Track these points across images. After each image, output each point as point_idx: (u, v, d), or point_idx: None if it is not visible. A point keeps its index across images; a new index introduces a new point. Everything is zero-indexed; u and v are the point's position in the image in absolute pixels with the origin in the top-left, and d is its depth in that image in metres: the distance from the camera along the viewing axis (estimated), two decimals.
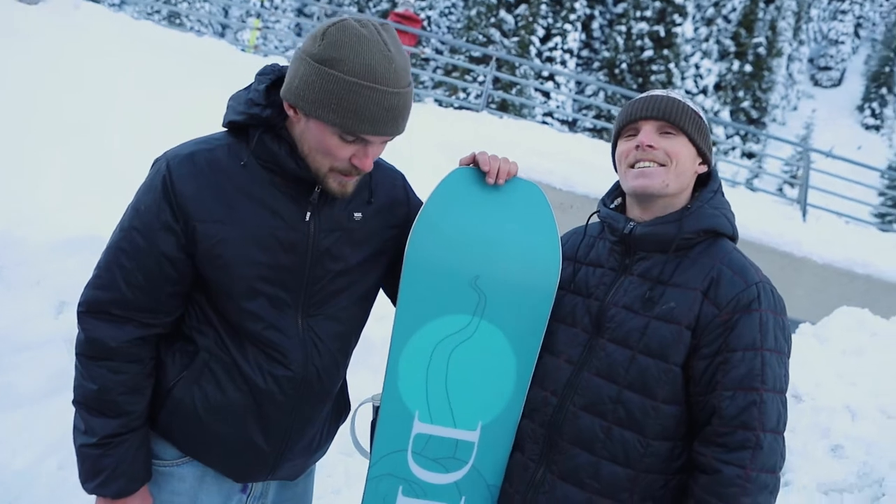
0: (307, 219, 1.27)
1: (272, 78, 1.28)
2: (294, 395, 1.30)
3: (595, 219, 1.53)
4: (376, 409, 1.46)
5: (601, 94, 24.55)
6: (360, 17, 1.19)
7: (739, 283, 1.29)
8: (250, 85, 1.28)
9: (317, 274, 1.29)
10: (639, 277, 1.37)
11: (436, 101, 12.25)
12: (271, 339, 1.27)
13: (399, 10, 10.17)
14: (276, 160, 1.24)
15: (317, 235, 1.28)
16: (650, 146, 1.37)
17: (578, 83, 25.75)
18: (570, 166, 6.89)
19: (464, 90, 24.34)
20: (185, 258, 1.24)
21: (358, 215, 1.33)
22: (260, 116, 1.24)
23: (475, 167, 1.39)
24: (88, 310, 1.24)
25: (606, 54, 28.15)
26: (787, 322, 1.31)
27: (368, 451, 1.47)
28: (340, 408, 1.47)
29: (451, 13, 36.77)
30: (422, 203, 1.41)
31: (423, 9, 34.40)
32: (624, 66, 26.82)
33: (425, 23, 32.36)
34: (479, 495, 1.47)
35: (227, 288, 1.25)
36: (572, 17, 28.56)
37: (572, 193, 6.59)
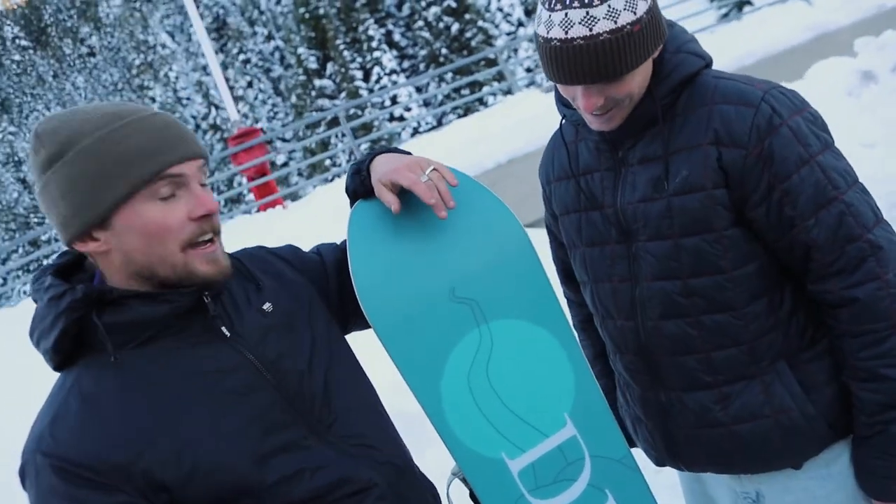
0: (237, 348, 1.02)
1: (50, 274, 0.99)
2: (401, 500, 1.08)
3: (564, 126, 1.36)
4: (464, 480, 1.26)
5: (442, 85, 24.99)
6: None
7: (746, 110, 1.12)
8: (35, 299, 0.99)
9: (291, 387, 1.04)
10: (638, 165, 1.21)
11: (313, 186, 12.11)
12: (322, 485, 1.01)
13: (234, 134, 10.04)
14: (142, 319, 0.95)
15: (256, 354, 1.03)
16: (598, 107, 1.14)
17: (418, 89, 26.12)
18: (467, 150, 6.83)
19: (332, 161, 24.39)
20: None
21: (267, 306, 1.09)
22: (76, 299, 0.93)
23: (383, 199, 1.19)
24: None
25: (423, 52, 28.77)
26: (812, 110, 1.17)
27: None
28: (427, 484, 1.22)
29: (275, 113, 37.01)
30: (289, 250, 1.23)
31: (250, 125, 34.51)
32: (444, 51, 27.44)
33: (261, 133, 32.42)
34: (619, 476, 1.28)
35: (237, 486, 0.97)
36: (374, 44, 29.13)
37: (484, 170, 6.49)
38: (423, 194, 1.11)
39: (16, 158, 52.55)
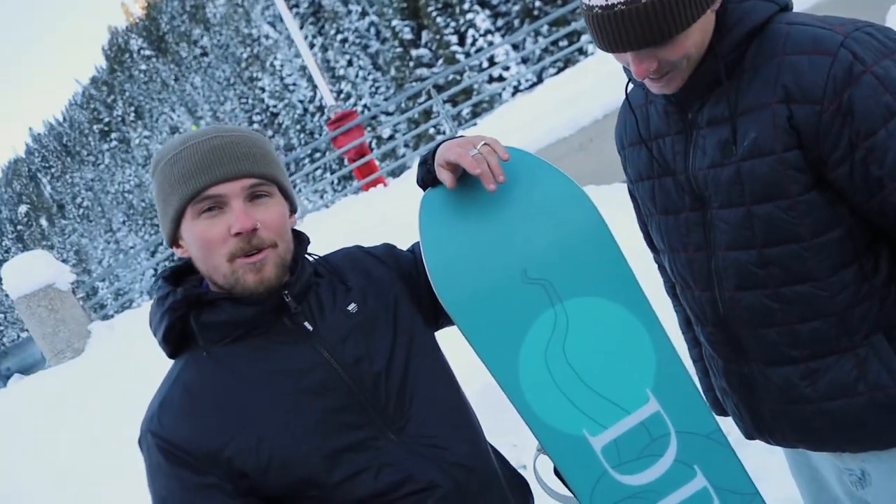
0: (317, 348, 1.10)
1: (169, 276, 1.15)
2: (467, 501, 1.12)
3: (629, 93, 1.30)
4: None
5: (539, 39, 24.24)
6: None
7: (821, 59, 1.00)
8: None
9: (366, 389, 1.11)
10: (707, 128, 1.14)
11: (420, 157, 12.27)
12: (384, 485, 1.08)
13: (331, 118, 10.40)
14: (231, 320, 1.07)
15: (335, 355, 1.10)
16: (653, 72, 1.08)
17: (515, 47, 25.54)
18: (562, 108, 6.65)
19: (437, 130, 24.53)
20: (247, 501, 1.05)
21: (352, 307, 1.16)
22: (176, 300, 1.07)
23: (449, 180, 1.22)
24: None
25: (517, 8, 28.00)
26: None
27: (573, 496, 1.29)
28: (514, 481, 1.27)
29: (377, 88, 37.64)
30: (383, 248, 1.29)
31: (353, 104, 35.38)
32: (538, 3, 26.57)
33: (364, 110, 33.14)
34: (707, 451, 1.26)
35: (307, 480, 1.05)
36: (465, 6, 28.73)
37: (581, 128, 6.31)
38: (469, 166, 1.13)
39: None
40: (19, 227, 70.04)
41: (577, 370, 1.23)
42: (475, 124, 9.12)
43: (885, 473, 1.17)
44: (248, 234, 1.05)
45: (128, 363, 5.62)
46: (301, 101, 43.78)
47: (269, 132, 45.34)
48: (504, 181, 1.14)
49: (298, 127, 43.86)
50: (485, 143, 1.15)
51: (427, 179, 1.24)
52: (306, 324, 1.12)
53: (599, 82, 6.58)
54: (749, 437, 1.33)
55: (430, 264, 1.22)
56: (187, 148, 1.08)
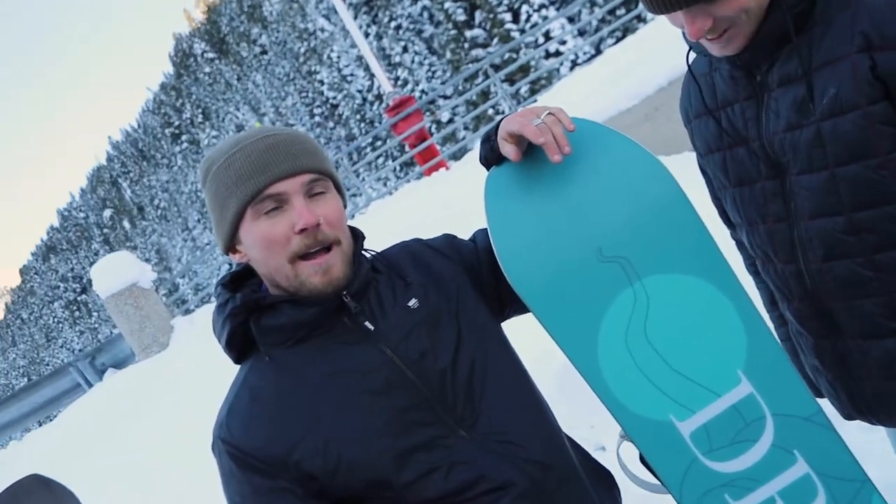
0: (379, 346, 1.07)
1: (227, 282, 1.13)
2: (544, 500, 1.07)
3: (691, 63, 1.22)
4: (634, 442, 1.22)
5: (595, 10, 23.52)
6: None
7: None
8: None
9: (433, 385, 1.07)
10: (780, 88, 1.05)
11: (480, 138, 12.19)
12: (456, 484, 1.03)
13: (390, 105, 10.43)
14: (292, 323, 1.05)
15: (398, 352, 1.07)
16: (709, 31, 1.01)
17: (570, 19, 24.89)
18: (623, 78, 6.42)
19: (495, 110, 24.28)
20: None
21: (413, 302, 1.12)
22: (236, 306, 1.06)
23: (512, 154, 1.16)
24: None
25: None
26: None
27: (661, 483, 1.22)
28: (596, 473, 1.22)
29: (433, 72, 37.57)
30: (443, 240, 1.24)
31: (410, 90, 35.45)
32: None
33: (422, 95, 33.15)
34: (808, 435, 1.16)
35: (377, 481, 1.04)
36: None
37: (645, 97, 6.07)
38: (532, 135, 1.07)
39: None
40: (105, 231, 74.19)
41: (660, 352, 1.16)
42: (535, 100, 8.93)
43: None
44: (313, 229, 1.03)
45: (208, 355, 5.85)
46: (359, 91, 44.20)
47: (330, 123, 46.07)
48: (570, 153, 1.08)
49: (358, 117, 44.35)
50: (549, 113, 1.09)
51: (491, 157, 1.19)
52: (367, 323, 1.09)
53: (662, 48, 6.31)
54: (848, 417, 1.24)
55: (500, 248, 1.17)
56: (240, 150, 1.05)
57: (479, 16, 31.89)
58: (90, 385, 8.01)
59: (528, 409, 1.14)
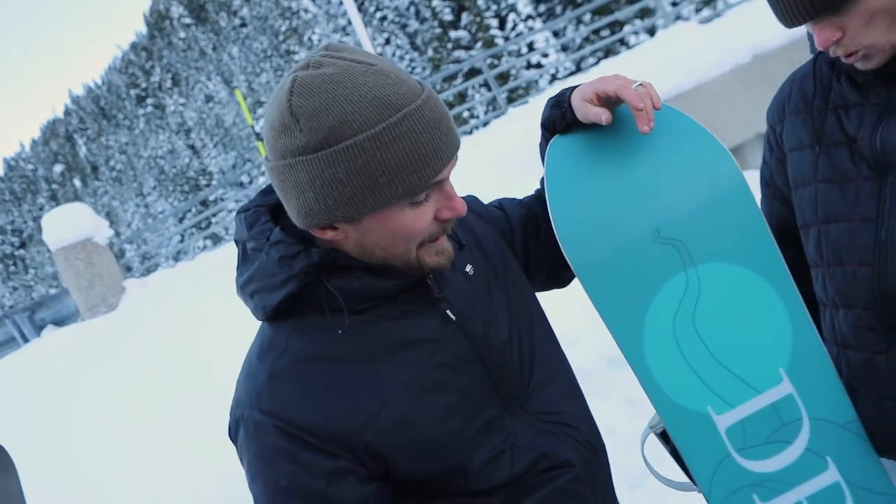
0: (446, 317, 0.95)
1: (267, 216, 0.94)
2: (592, 482, 1.02)
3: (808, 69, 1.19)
4: (662, 435, 1.18)
5: (581, 27, 23.84)
6: (301, 61, 0.85)
7: None
8: (259, 245, 0.91)
9: (495, 360, 0.97)
10: None
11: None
12: (522, 467, 0.95)
13: None
14: (367, 291, 0.90)
15: (465, 324, 0.97)
16: (839, 47, 1.00)
17: (556, 34, 25.15)
18: None
19: (471, 113, 24.33)
20: (380, 486, 0.91)
21: (469, 268, 1.02)
22: (312, 264, 0.88)
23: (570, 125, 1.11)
24: None
25: None
26: None
27: (690, 481, 1.18)
28: None
29: (413, 68, 37.47)
30: (475, 200, 1.16)
31: None
32: None
33: None
34: (843, 442, 1.14)
35: (453, 465, 0.92)
36: None
37: None
38: (633, 99, 1.00)
39: (186, 127, 57.89)
40: (53, 186, 71.30)
41: (705, 341, 1.12)
42: (509, 109, 8.94)
43: None
44: (449, 223, 0.91)
45: (160, 322, 5.62)
46: None
47: None
48: (654, 128, 1.03)
49: None
50: (641, 84, 1.03)
51: (560, 123, 1.12)
52: (436, 295, 0.96)
53: (654, 68, 6.40)
54: (883, 453, 1.17)
55: (556, 215, 1.11)
56: (406, 118, 0.81)
57: (465, 18, 31.93)
58: (26, 340, 7.63)
59: (573, 390, 1.08)
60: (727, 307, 1.12)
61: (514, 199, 1.22)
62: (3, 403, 5.26)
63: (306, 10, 46.99)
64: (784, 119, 1.22)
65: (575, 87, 1.11)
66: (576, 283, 1.19)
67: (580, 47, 23.59)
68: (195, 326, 5.13)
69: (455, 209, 0.89)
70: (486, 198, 1.22)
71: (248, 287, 0.93)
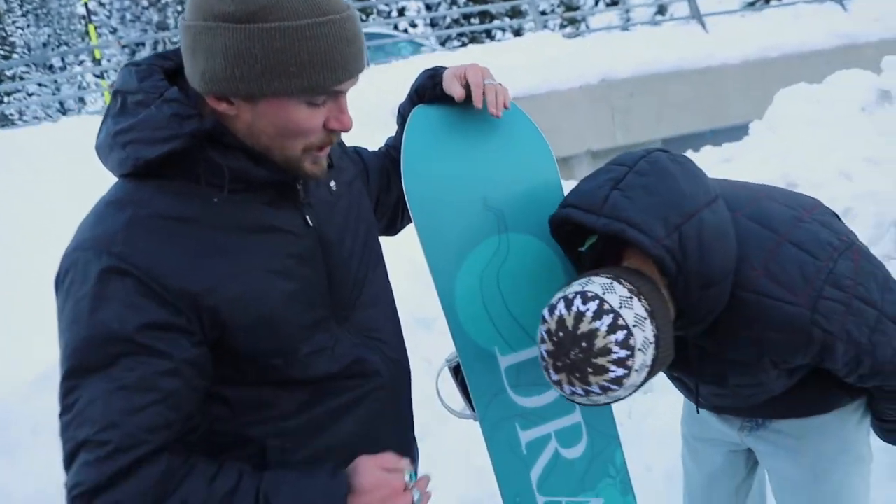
0: (310, 224, 1.04)
1: (161, 74, 0.96)
2: (395, 394, 1.16)
3: None
4: (455, 370, 1.40)
5: (454, 8, 24.17)
6: None
7: (796, 336, 1.16)
8: (147, 100, 0.92)
9: (335, 269, 1.07)
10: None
11: None
12: (339, 367, 1.05)
13: None
14: (241, 173, 0.94)
15: (321, 226, 1.06)
16: None
17: (428, 7, 25.24)
18: None
19: None
20: (204, 353, 0.93)
21: (333, 184, 1.11)
22: (202, 129, 0.91)
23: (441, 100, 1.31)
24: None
25: None
26: (874, 275, 1.20)
27: (470, 411, 1.41)
28: None
29: None
30: (351, 149, 1.32)
31: None
32: None
33: None
34: None
35: (281, 348, 0.99)
36: None
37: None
38: (486, 90, 1.24)
39: None
40: None
41: (503, 294, 1.36)
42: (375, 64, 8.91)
43: None
44: (334, 135, 0.99)
45: None
46: None
47: None
48: (500, 117, 1.26)
49: None
50: (500, 84, 1.27)
51: (431, 93, 1.31)
52: (300, 189, 1.04)
53: (516, 67, 6.77)
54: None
55: (406, 166, 1.29)
56: (330, 23, 0.88)
57: None
58: None
59: (393, 316, 1.21)
60: (525, 270, 1.37)
61: (369, 150, 1.38)
62: None
63: None
64: None
65: (449, 67, 1.30)
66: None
67: (449, 27, 23.95)
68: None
69: (343, 123, 0.96)
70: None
71: (125, 135, 0.93)
